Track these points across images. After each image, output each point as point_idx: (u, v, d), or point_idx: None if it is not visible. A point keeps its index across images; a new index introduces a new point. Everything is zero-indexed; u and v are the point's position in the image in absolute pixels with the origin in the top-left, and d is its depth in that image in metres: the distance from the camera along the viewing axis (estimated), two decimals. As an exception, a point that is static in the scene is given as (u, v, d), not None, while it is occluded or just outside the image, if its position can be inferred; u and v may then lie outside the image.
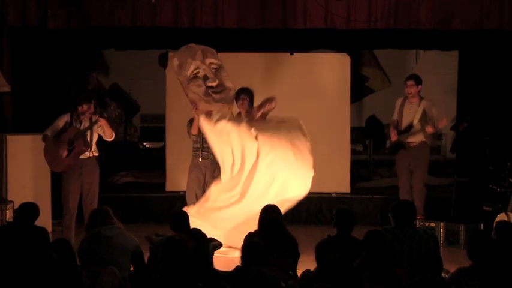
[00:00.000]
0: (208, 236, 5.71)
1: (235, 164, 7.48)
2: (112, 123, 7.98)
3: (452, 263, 5.98)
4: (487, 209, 8.13)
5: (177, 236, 5.10)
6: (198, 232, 5.48)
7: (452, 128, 10.36)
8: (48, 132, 7.47)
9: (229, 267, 5.14)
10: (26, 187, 8.20)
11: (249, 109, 7.91)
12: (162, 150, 10.06)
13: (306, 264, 5.68)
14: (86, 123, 7.48)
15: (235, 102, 7.83)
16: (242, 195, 7.38)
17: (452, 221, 8.03)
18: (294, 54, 9.67)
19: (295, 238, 6.02)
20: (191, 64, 7.61)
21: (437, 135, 9.76)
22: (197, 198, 7.72)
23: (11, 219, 7.44)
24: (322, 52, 10.21)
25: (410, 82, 8.26)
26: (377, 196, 9.30)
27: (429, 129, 8.08)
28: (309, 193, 7.65)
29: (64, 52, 9.80)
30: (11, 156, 8.22)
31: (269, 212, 6.09)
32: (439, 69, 11.43)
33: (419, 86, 8.27)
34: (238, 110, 7.98)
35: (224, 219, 7.32)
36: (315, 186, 9.12)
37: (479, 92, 10.41)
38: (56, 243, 5.05)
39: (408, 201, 6.41)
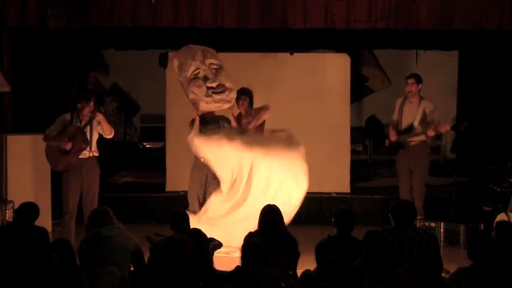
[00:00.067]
0: (208, 236, 5.71)
1: (233, 176, 7.54)
2: (109, 117, 7.96)
3: (452, 263, 5.98)
4: (487, 209, 8.13)
5: (177, 236, 5.10)
6: (198, 232, 5.48)
7: (452, 128, 10.32)
8: (49, 132, 7.47)
9: (229, 267, 5.14)
10: (26, 187, 8.20)
11: (249, 109, 7.93)
12: (162, 150, 10.06)
13: (306, 264, 5.67)
14: (86, 122, 7.47)
15: (235, 102, 7.84)
16: (242, 201, 7.43)
17: (452, 221, 8.03)
18: (294, 54, 9.67)
19: (295, 238, 6.02)
20: (191, 65, 7.62)
21: (438, 135, 9.76)
22: (199, 199, 7.75)
23: (11, 219, 7.44)
24: (322, 52, 10.21)
25: (410, 80, 8.26)
26: (377, 196, 9.30)
27: (430, 133, 8.08)
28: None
29: (64, 52, 9.81)
30: (11, 156, 8.23)
31: (269, 212, 6.09)
32: (439, 69, 11.42)
33: (420, 85, 8.26)
34: (238, 111, 7.99)
35: (225, 223, 7.36)
36: (315, 186, 9.14)
37: (479, 92, 10.41)
38: (56, 243, 5.05)
39: (408, 201, 6.41)
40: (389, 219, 5.57)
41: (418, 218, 7.66)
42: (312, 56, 9.95)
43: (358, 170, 10.42)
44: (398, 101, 8.45)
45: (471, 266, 4.74)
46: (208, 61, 7.71)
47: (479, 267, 4.69)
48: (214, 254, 5.71)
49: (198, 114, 7.69)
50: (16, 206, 6.60)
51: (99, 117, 7.40)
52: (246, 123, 7.87)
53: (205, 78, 7.63)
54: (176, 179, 9.18)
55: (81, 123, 7.44)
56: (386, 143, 8.82)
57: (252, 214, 6.76)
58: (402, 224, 5.45)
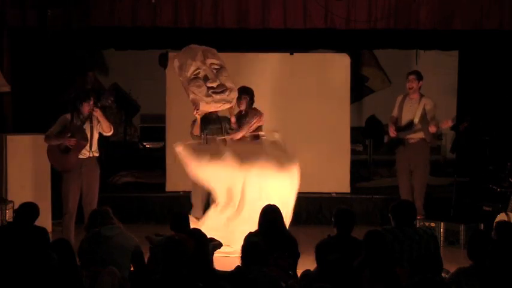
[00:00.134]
0: (208, 236, 5.71)
1: (227, 192, 7.52)
2: (107, 112, 7.94)
3: (452, 263, 5.98)
4: (487, 209, 8.13)
5: (177, 236, 5.10)
6: (198, 232, 5.49)
7: (452, 128, 10.32)
8: (50, 132, 7.47)
9: (229, 267, 5.14)
10: (26, 187, 8.20)
11: (249, 109, 7.92)
12: (162, 150, 10.05)
13: (306, 264, 5.68)
14: (86, 122, 7.47)
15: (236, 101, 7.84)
16: (238, 213, 7.43)
17: (452, 221, 8.03)
18: (294, 54, 9.67)
19: (295, 238, 6.02)
20: (191, 65, 7.61)
21: (438, 135, 9.76)
22: (201, 199, 7.74)
23: (11, 219, 7.44)
24: (322, 52, 10.22)
25: (411, 76, 8.27)
26: (377, 196, 9.29)
27: (432, 129, 8.08)
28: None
29: (64, 52, 9.80)
30: (11, 156, 8.22)
31: (269, 212, 6.09)
32: (439, 69, 11.42)
33: (421, 82, 8.27)
34: (238, 109, 7.98)
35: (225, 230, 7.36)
36: (315, 186, 9.17)
37: (479, 92, 10.41)
38: (56, 243, 5.05)
39: (408, 201, 6.42)
40: (390, 219, 5.57)
41: (418, 218, 7.67)
42: (312, 56, 9.95)
43: (358, 170, 10.42)
44: (399, 98, 8.45)
45: (471, 266, 4.74)
46: (209, 61, 7.71)
47: (479, 267, 4.69)
48: (214, 254, 5.71)
49: (198, 115, 7.69)
50: (16, 206, 6.60)
51: (97, 112, 7.40)
52: (245, 123, 7.84)
53: (206, 78, 7.63)
54: (176, 179, 9.17)
55: (81, 123, 7.44)
56: (385, 139, 8.82)
57: (250, 218, 6.80)
58: (402, 224, 5.44)
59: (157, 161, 10.20)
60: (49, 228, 7.91)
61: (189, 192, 8.05)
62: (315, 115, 9.43)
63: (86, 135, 7.39)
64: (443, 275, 5.27)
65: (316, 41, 9.95)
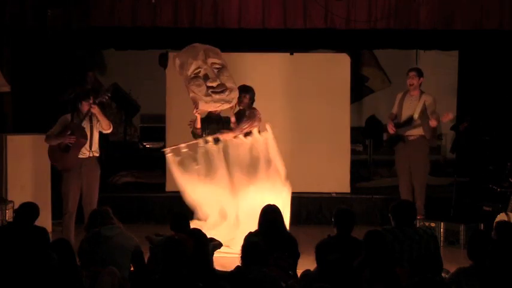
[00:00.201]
0: (208, 236, 5.71)
1: (219, 210, 7.53)
2: (106, 111, 7.93)
3: (452, 263, 5.98)
4: (487, 209, 8.13)
5: (177, 236, 5.10)
6: (198, 232, 5.48)
7: (452, 128, 10.36)
8: (50, 133, 7.48)
9: (229, 267, 5.14)
10: (26, 187, 8.20)
11: (248, 108, 7.90)
12: (162, 150, 10.05)
13: (306, 264, 5.68)
14: (86, 122, 7.47)
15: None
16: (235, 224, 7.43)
17: (452, 221, 8.03)
18: (294, 54, 9.67)
19: (295, 238, 6.02)
20: (192, 64, 7.60)
21: (437, 135, 9.76)
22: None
23: (11, 219, 7.44)
24: (322, 52, 10.22)
25: (412, 73, 8.29)
26: (377, 196, 9.30)
27: (433, 123, 8.07)
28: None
29: (64, 52, 9.81)
30: (11, 156, 8.22)
31: (269, 212, 6.08)
32: (439, 69, 11.43)
33: (421, 79, 8.28)
34: (238, 108, 7.97)
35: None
36: (315, 186, 9.18)
37: (479, 92, 10.42)
38: (56, 243, 5.04)
39: (408, 201, 6.42)
40: (390, 219, 5.58)
41: (418, 218, 7.67)
42: (312, 56, 9.95)
43: (358, 170, 10.43)
44: (399, 95, 8.46)
45: (471, 266, 4.74)
46: (210, 60, 7.68)
47: (479, 267, 4.69)
48: (214, 254, 5.71)
49: (198, 114, 7.68)
50: (16, 206, 6.60)
51: (94, 109, 7.40)
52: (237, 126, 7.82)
53: (206, 78, 7.61)
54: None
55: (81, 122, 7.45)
56: (385, 136, 8.82)
57: (249, 214, 6.79)
58: (402, 224, 5.45)
59: (157, 161, 10.16)
60: (49, 228, 7.91)
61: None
62: (315, 115, 9.43)
63: (86, 133, 7.40)
64: (443, 275, 5.27)
65: (316, 41, 9.95)
